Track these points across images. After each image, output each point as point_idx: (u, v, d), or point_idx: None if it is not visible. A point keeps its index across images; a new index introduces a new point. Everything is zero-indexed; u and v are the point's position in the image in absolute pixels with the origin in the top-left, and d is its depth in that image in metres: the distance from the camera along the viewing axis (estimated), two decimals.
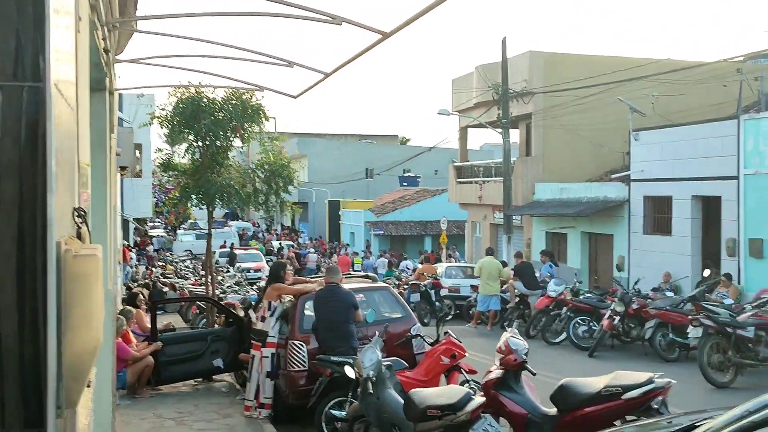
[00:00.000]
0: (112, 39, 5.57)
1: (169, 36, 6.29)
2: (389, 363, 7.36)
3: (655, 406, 6.15)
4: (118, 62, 6.46)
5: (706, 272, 15.38)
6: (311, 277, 12.13)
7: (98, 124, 6.07)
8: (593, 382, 6.42)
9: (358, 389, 7.13)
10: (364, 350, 7.19)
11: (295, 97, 7.33)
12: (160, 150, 13.72)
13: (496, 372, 6.85)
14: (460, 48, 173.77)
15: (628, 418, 6.15)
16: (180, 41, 6.39)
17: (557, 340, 15.08)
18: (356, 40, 5.65)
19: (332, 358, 8.19)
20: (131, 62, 6.69)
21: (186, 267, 33.54)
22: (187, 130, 12.44)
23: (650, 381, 6.19)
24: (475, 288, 18.53)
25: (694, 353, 11.83)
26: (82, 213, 2.47)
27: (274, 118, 49.28)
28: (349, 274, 12.37)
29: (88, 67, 3.55)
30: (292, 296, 9.41)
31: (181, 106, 12.34)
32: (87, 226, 2.52)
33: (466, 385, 8.26)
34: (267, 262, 32.83)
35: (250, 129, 12.78)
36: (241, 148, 14.05)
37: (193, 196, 13.21)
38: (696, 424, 3.86)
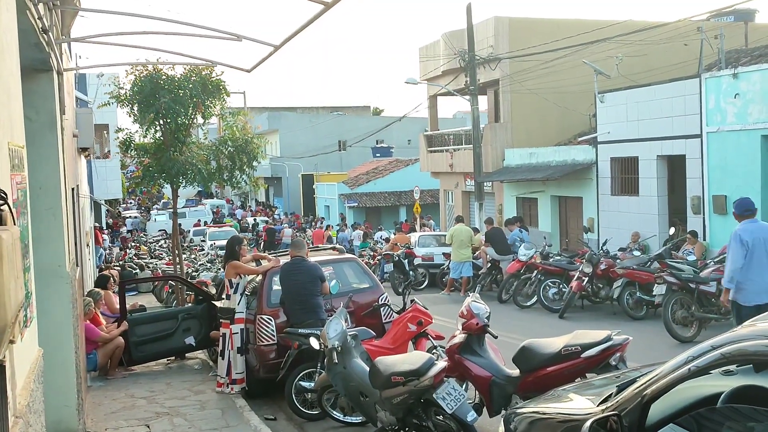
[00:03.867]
0: (54, 18, 5.48)
1: (116, 14, 6.19)
2: (355, 333, 7.41)
3: (614, 363, 6.28)
4: (63, 41, 6.35)
5: (672, 230, 15.61)
6: (283, 251, 12.13)
7: (47, 106, 5.99)
8: (553, 342, 6.53)
9: (326, 360, 7.19)
10: (329, 321, 7.24)
11: (248, 71, 7.27)
12: (120, 129, 13.56)
13: (459, 336, 6.94)
14: (428, 15, 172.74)
15: (588, 375, 6.27)
16: (134, 20, 6.31)
17: (529, 304, 15.27)
18: (302, 11, 5.62)
19: (300, 330, 8.24)
20: (76, 41, 6.55)
21: (160, 247, 33.41)
22: (146, 109, 12.26)
23: (608, 339, 6.30)
24: (447, 256, 18.66)
25: (661, 310, 12.04)
26: (3, 195, 2.45)
27: (243, 93, 48.92)
28: (317, 247, 12.42)
29: (18, 47, 3.49)
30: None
31: (138, 84, 12.19)
32: (9, 208, 2.50)
33: (434, 350, 8.38)
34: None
35: (211, 105, 12.65)
36: (203, 125, 13.86)
37: (157, 176, 13.08)
38: (642, 374, 3.97)
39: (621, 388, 3.87)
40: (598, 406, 3.90)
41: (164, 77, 12.26)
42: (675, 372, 3.47)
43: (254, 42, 6.36)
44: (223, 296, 10.03)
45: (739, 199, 8.49)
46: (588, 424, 3.55)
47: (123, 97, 12.58)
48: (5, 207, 2.42)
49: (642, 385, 3.62)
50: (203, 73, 12.38)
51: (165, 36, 6.61)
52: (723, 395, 3.62)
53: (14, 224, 2.46)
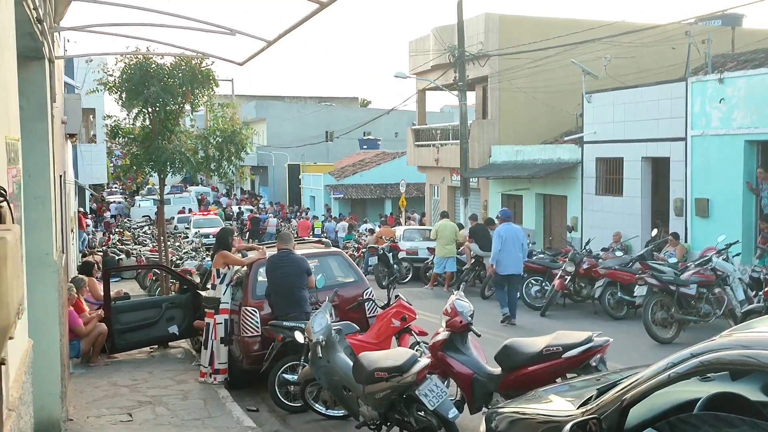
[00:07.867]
0: (47, 7, 5.46)
1: (110, 4, 6.19)
2: (339, 327, 7.48)
3: (594, 364, 6.38)
4: (57, 30, 6.33)
5: (654, 232, 15.74)
6: (270, 243, 12.15)
7: (37, 94, 5.98)
8: (535, 342, 6.62)
9: (310, 353, 7.24)
10: (314, 315, 7.29)
11: (240, 64, 7.28)
12: (108, 116, 13.48)
13: (442, 334, 7.02)
14: (418, 9, 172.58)
15: (569, 375, 6.37)
16: (127, 11, 6.30)
17: None
18: (297, 8, 5.64)
19: (284, 323, 8.29)
20: (71, 30, 6.53)
21: (144, 233, 33.25)
22: (135, 97, 12.20)
23: (589, 340, 6.40)
24: (432, 250, 18.75)
25: (641, 311, 12.18)
26: (2, 192, 2.46)
27: (231, 80, 48.53)
28: (303, 239, 12.45)
29: (15, 41, 3.50)
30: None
31: (128, 72, 12.12)
32: (9, 206, 2.52)
33: (417, 347, 8.44)
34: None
35: (200, 95, 12.62)
36: (191, 114, 13.82)
37: (144, 164, 13.03)
38: (622, 378, 4.06)
39: (601, 392, 3.96)
40: (578, 408, 3.98)
41: (154, 65, 12.21)
42: (655, 378, 3.55)
43: (246, 36, 6.37)
44: (208, 285, 10.04)
45: (502, 209, 14.02)
46: (568, 427, 3.63)
47: (111, 84, 12.52)
48: (4, 204, 2.44)
49: (622, 389, 3.70)
50: (193, 62, 12.34)
51: (158, 28, 6.59)
52: (700, 402, 3.72)
53: (13, 222, 2.49)
